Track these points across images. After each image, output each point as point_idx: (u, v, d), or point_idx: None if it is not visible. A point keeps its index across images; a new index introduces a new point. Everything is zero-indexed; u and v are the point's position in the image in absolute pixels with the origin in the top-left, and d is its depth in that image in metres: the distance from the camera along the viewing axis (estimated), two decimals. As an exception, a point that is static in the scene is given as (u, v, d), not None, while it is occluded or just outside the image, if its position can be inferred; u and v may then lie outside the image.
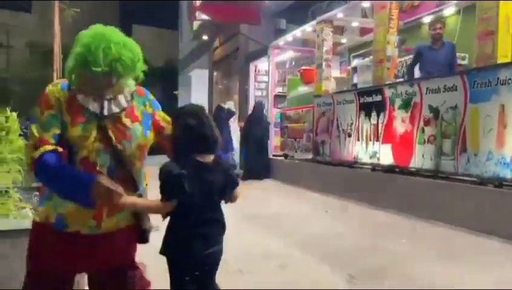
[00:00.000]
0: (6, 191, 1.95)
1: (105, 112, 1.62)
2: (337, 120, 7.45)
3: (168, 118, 1.81)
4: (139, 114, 1.70)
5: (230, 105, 11.20)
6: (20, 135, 2.26)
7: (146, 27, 28.52)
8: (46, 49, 15.57)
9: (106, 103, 1.63)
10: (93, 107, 1.61)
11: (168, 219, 1.78)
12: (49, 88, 1.67)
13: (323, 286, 3.11)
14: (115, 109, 1.64)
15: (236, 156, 10.50)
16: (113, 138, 1.60)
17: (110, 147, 1.59)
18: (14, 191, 2.01)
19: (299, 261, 3.73)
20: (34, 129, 1.58)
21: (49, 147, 1.54)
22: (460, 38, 7.22)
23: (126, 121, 1.65)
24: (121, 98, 1.66)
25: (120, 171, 1.62)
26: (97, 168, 1.57)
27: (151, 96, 1.81)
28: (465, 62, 6.94)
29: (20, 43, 25.53)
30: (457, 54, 6.61)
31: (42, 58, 20.05)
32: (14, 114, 2.12)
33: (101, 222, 1.62)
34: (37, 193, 2.46)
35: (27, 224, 1.91)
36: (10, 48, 27.21)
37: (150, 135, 1.73)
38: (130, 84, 1.71)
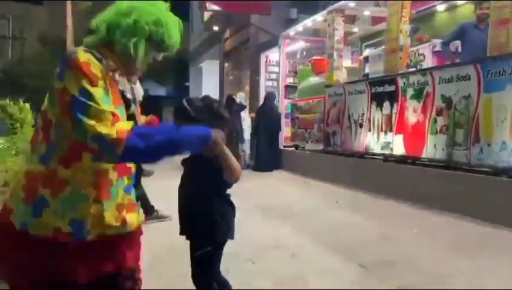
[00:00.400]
0: (21, 181, 1.99)
1: (136, 98, 1.53)
2: (348, 110, 7.40)
3: None
4: None
5: (241, 97, 11.19)
6: (33, 126, 2.29)
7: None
8: (58, 41, 15.71)
9: (132, 88, 1.54)
10: (127, 90, 1.50)
11: None
12: (88, 58, 1.34)
13: (334, 276, 3.12)
14: (140, 96, 1.55)
15: (247, 147, 10.51)
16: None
17: None
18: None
19: (310, 251, 3.74)
20: (97, 103, 1.29)
21: (126, 123, 1.34)
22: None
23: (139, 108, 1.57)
24: (138, 84, 1.57)
25: None
26: None
27: None
28: (479, 51, 6.83)
29: (32, 36, 25.73)
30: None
31: (53, 51, 20.21)
32: (27, 105, 2.15)
33: (125, 218, 1.44)
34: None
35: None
36: (24, 39, 27.45)
37: None
38: None
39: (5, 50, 28.81)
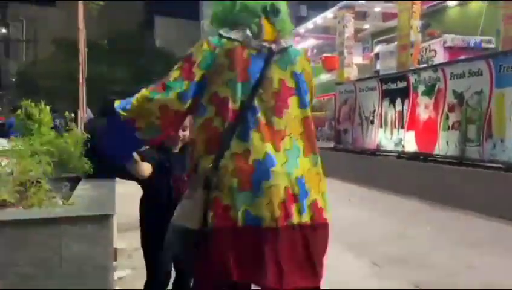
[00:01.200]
0: (37, 182, 2.04)
1: None
2: (359, 108, 7.38)
3: None
4: None
5: None
6: (52, 128, 2.34)
7: (168, 18, 28.69)
8: (72, 43, 15.90)
9: None
10: None
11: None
12: None
13: (346, 273, 3.13)
14: None
15: None
16: None
17: None
18: (45, 182, 2.10)
19: (321, 248, 3.76)
20: None
21: None
22: (487, 21, 7.03)
23: None
24: None
25: None
26: None
27: None
28: (492, 45, 6.77)
29: (45, 37, 26.10)
30: (482, 38, 6.45)
31: (67, 53, 20.47)
32: (47, 107, 2.20)
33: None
34: (67, 184, 2.56)
35: (57, 213, 2.00)
36: (37, 42, 27.85)
37: None
38: None
39: (20, 52, 29.28)
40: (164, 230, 1.58)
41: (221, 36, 1.49)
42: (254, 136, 1.40)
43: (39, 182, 2.07)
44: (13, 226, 1.87)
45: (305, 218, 1.42)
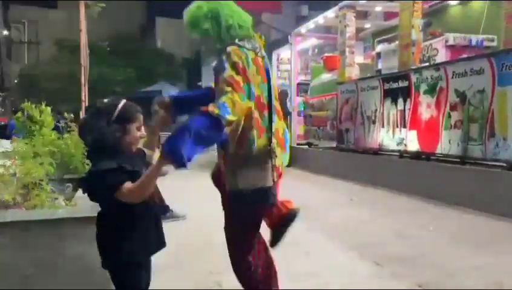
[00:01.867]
0: (39, 183, 2.05)
1: None
2: (361, 107, 7.38)
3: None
4: None
5: None
6: (53, 129, 2.35)
7: (169, 19, 28.72)
8: (73, 45, 15.93)
9: None
10: None
11: None
12: None
13: (349, 274, 3.12)
14: None
15: None
16: None
17: None
18: (47, 183, 2.10)
19: (324, 248, 3.75)
20: None
21: None
22: (488, 19, 7.01)
23: None
24: None
25: None
26: None
27: None
28: (494, 44, 6.75)
29: (47, 39, 26.15)
30: (484, 36, 6.43)
31: (69, 54, 20.50)
32: (49, 108, 2.21)
33: None
34: (70, 185, 2.57)
35: (60, 214, 2.00)
36: (39, 44, 27.91)
37: None
38: None
39: (22, 54, 29.34)
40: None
41: (239, 46, 1.97)
42: (277, 118, 2.09)
43: (41, 184, 2.08)
44: (16, 227, 1.88)
45: None
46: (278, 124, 2.09)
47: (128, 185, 1.64)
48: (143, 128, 1.84)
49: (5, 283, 1.84)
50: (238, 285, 2.38)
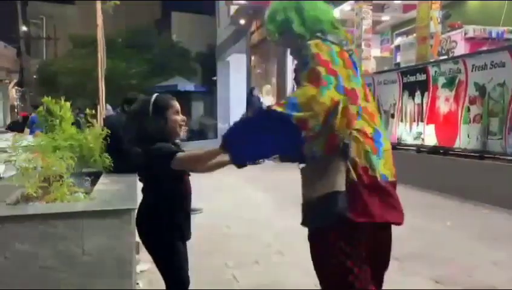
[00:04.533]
0: (60, 177, 2.09)
1: None
2: (378, 101, 7.30)
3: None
4: None
5: (267, 90, 11.06)
6: (72, 124, 2.39)
7: (185, 14, 28.79)
8: (90, 40, 16.09)
9: None
10: None
11: None
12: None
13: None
14: None
15: None
16: None
17: None
18: (68, 177, 2.14)
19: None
20: None
21: None
22: (509, 11, 6.86)
23: None
24: None
25: None
26: None
27: None
28: (515, 36, 6.61)
29: (64, 35, 26.48)
30: (505, 28, 6.29)
31: (85, 49, 20.72)
32: (68, 104, 2.25)
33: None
34: (88, 178, 2.61)
35: (80, 207, 2.04)
36: (57, 40, 28.27)
37: None
38: None
39: (40, 50, 29.79)
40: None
41: (324, 40, 1.77)
42: (363, 116, 1.76)
43: (62, 177, 2.11)
44: (37, 220, 1.91)
45: None
46: (368, 121, 1.75)
47: (180, 154, 1.89)
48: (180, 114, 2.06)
49: (28, 274, 1.89)
50: (255, 280, 2.39)
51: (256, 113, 1.74)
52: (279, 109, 1.56)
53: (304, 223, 1.78)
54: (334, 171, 1.68)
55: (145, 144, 1.95)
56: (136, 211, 2.04)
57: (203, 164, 1.90)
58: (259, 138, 1.61)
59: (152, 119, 1.97)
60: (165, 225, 2.04)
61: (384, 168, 1.78)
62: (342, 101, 1.62)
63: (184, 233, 2.12)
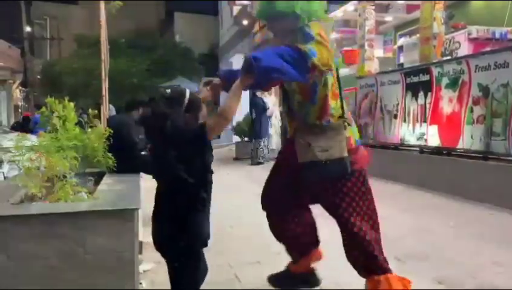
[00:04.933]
0: (64, 176, 2.09)
1: None
2: (381, 101, 7.29)
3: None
4: None
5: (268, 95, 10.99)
6: (76, 124, 2.40)
7: (188, 14, 28.82)
8: (93, 40, 16.13)
9: None
10: None
11: None
12: None
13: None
14: None
15: (270, 141, 10.37)
16: None
17: None
18: (71, 177, 2.14)
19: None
20: None
21: None
22: (513, 11, 6.83)
23: None
24: None
25: None
26: None
27: None
28: (518, 37, 6.58)
29: (68, 35, 26.54)
30: (509, 29, 6.27)
31: (88, 50, 20.75)
32: (72, 104, 2.26)
33: None
34: (92, 178, 2.62)
35: (84, 207, 2.04)
36: (60, 40, 28.33)
37: None
38: None
39: (44, 50, 29.87)
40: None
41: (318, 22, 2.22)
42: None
43: (65, 177, 2.12)
44: (40, 220, 1.92)
45: None
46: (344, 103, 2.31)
47: (209, 120, 1.92)
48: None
49: (30, 273, 1.89)
50: (257, 279, 2.40)
51: (284, 46, 2.02)
52: (304, 50, 1.99)
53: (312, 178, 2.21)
54: (341, 138, 2.18)
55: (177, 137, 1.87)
56: (141, 210, 2.04)
57: (236, 104, 1.95)
58: (282, 63, 1.95)
59: (188, 117, 1.91)
60: (196, 232, 1.97)
61: (356, 134, 2.34)
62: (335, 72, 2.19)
63: (207, 240, 2.07)
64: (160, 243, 2.01)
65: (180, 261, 2.00)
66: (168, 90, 2.02)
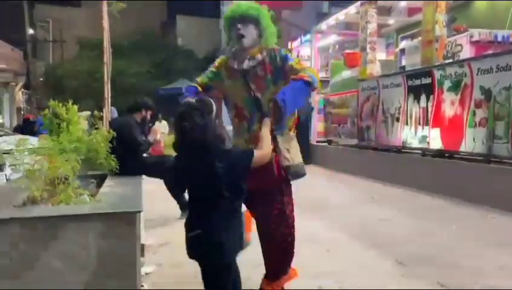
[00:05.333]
0: (66, 179, 2.09)
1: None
2: (382, 104, 7.29)
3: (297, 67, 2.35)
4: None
5: None
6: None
7: (190, 17, 28.89)
8: (96, 43, 16.16)
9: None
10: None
11: None
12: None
13: (370, 272, 3.10)
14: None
15: None
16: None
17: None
18: (73, 179, 2.15)
19: (345, 247, 3.73)
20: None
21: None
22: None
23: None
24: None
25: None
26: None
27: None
28: (521, 40, 6.58)
29: (71, 38, 26.61)
30: (511, 31, 6.26)
31: (91, 52, 20.80)
32: (75, 107, 2.26)
33: None
34: (93, 181, 2.62)
35: (86, 209, 2.04)
36: (63, 42, 28.39)
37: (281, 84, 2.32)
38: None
39: (46, 53, 29.94)
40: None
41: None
42: None
43: (67, 180, 2.12)
44: (42, 223, 1.92)
45: None
46: None
47: (256, 152, 1.97)
48: None
49: (32, 276, 1.89)
50: (255, 282, 2.39)
51: (300, 82, 2.25)
52: (310, 80, 2.25)
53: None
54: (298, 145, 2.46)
55: (218, 150, 1.89)
56: (143, 213, 2.03)
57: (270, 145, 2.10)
58: (302, 98, 2.31)
59: (215, 123, 1.98)
60: (231, 245, 1.96)
61: None
62: None
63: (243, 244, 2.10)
64: (196, 251, 1.97)
65: (214, 266, 1.98)
66: (193, 100, 2.04)
